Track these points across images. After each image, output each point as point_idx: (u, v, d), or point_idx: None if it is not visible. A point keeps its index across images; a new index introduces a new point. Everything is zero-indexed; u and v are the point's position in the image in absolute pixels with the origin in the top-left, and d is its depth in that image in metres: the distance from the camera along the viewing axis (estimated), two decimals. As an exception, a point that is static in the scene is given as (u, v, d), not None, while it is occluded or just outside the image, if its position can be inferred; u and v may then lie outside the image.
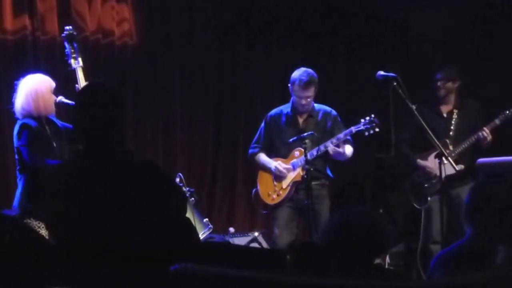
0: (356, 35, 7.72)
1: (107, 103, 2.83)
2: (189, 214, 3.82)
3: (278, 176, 5.74)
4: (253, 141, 5.95)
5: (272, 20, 7.57)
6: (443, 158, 5.29)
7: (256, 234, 6.43)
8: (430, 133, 5.28)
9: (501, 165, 5.62)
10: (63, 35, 5.14)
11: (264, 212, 5.89)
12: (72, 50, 5.03)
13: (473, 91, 6.48)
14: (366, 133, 5.64)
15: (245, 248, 5.64)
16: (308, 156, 5.55)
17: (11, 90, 6.10)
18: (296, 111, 5.81)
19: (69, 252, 2.70)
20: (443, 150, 5.29)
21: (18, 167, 4.85)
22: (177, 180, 5.46)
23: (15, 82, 4.95)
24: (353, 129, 5.64)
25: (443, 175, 5.64)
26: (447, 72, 6.30)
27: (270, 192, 5.77)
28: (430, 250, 6.08)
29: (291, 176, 5.72)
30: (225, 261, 2.87)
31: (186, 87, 7.19)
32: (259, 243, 6.37)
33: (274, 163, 5.76)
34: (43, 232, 4.44)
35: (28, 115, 4.79)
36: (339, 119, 5.85)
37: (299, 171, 5.70)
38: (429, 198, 6.09)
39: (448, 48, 7.51)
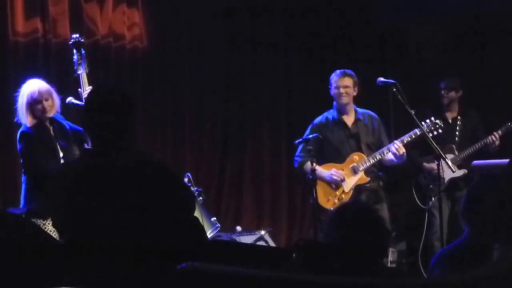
0: (357, 42, 7.78)
1: (117, 106, 2.80)
2: (197, 214, 3.87)
3: (336, 183, 5.63)
4: (299, 149, 5.81)
5: (277, 26, 7.63)
6: (441, 160, 5.43)
7: (262, 232, 6.45)
8: (429, 136, 5.42)
9: (494, 167, 5.79)
10: (70, 42, 5.18)
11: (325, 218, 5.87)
12: (79, 57, 5.07)
13: (471, 100, 6.63)
14: (430, 134, 5.55)
15: (252, 246, 5.71)
16: (371, 161, 5.60)
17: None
18: (341, 112, 5.77)
19: (76, 250, 2.70)
20: (440, 152, 5.41)
21: (22, 169, 4.92)
22: (186, 180, 5.48)
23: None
24: (417, 130, 5.58)
25: (447, 178, 5.87)
26: (450, 82, 6.49)
27: (330, 197, 5.63)
28: (433, 248, 6.18)
29: (353, 180, 5.65)
30: (232, 259, 2.92)
31: (195, 90, 7.24)
32: (266, 242, 6.38)
33: (327, 172, 5.65)
34: (50, 228, 4.53)
35: (24, 120, 4.82)
36: (381, 122, 5.85)
37: (362, 174, 5.64)
38: (433, 199, 6.22)
39: (446, 57, 7.61)
